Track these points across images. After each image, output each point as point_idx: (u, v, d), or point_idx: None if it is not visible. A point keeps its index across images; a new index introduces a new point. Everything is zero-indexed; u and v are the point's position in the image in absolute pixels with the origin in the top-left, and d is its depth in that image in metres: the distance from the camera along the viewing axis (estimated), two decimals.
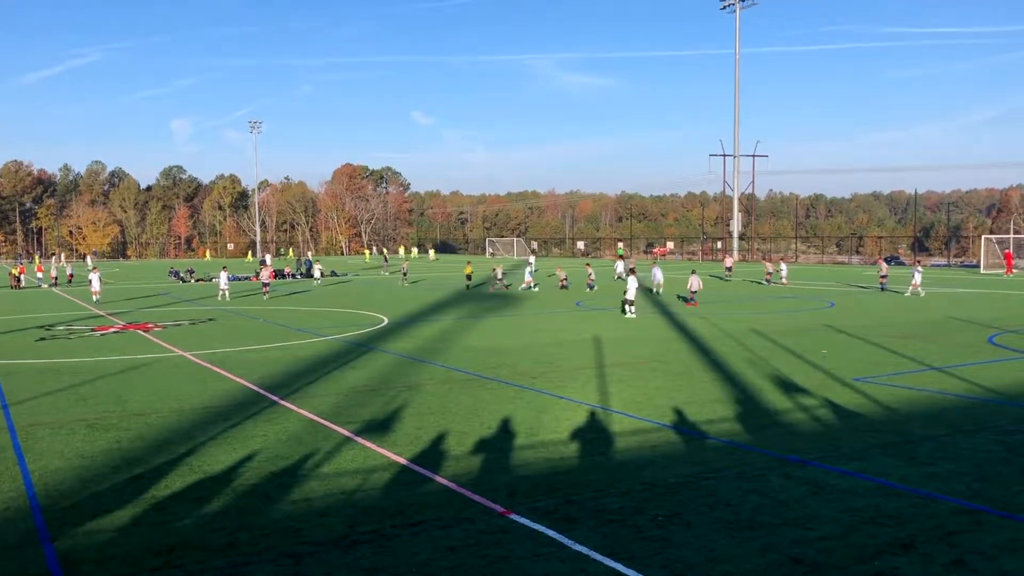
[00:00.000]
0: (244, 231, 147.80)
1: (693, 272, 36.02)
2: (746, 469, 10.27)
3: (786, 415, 13.43)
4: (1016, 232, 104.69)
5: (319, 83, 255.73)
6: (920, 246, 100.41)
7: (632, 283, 29.71)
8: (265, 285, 42.47)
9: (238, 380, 17.07)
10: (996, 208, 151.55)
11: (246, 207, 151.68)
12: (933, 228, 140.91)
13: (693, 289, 34.10)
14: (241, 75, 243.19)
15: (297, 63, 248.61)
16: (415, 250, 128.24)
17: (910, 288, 38.89)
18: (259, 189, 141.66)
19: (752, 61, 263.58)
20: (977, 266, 69.55)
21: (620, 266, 53.80)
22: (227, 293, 41.08)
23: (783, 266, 49.71)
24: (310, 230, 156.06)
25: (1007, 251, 62.51)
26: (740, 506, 8.86)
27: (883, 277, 42.60)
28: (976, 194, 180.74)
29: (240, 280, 58.93)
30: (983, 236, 76.29)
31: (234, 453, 11.24)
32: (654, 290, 39.72)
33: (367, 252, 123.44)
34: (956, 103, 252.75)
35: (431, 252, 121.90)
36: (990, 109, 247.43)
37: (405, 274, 54.39)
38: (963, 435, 11.90)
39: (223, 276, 42.08)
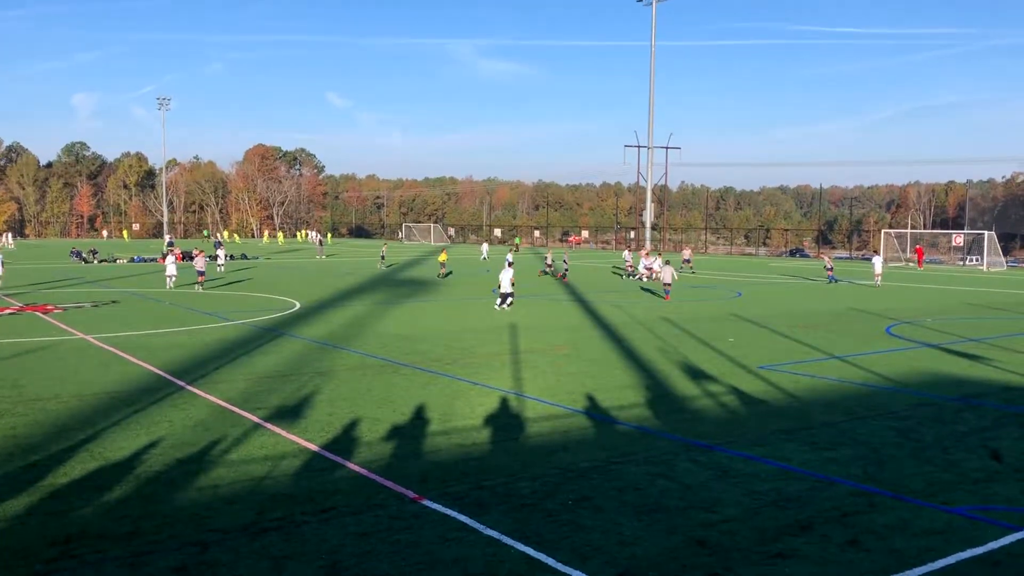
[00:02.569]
0: (151, 211, 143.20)
1: (667, 263, 34.75)
2: (654, 454, 10.49)
3: (693, 401, 13.76)
4: (913, 227, 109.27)
5: (231, 61, 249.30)
6: (824, 239, 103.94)
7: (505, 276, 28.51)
8: (200, 273, 35.49)
9: (142, 364, 16.56)
10: (896, 204, 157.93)
11: (153, 187, 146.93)
12: (836, 222, 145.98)
13: (667, 281, 32.46)
14: (148, 50, 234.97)
15: (208, 39, 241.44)
16: (305, 233, 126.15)
17: (876, 278, 41.43)
18: (167, 168, 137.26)
19: (667, 54, 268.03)
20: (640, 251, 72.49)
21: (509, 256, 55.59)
22: (172, 281, 35.24)
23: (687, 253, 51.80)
24: (220, 212, 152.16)
25: (919, 246, 65.39)
26: (648, 490, 9.04)
27: (830, 270, 44.55)
28: (877, 190, 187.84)
29: (145, 261, 57.18)
30: (883, 230, 79.52)
31: (137, 439, 10.92)
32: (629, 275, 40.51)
33: (280, 235, 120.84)
34: (860, 101, 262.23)
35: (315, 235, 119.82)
36: (892, 108, 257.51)
37: (383, 257, 55.29)
38: (860, 421, 12.40)
39: (170, 261, 36.59)
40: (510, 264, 30.44)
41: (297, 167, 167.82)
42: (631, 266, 46.24)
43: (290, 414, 12.44)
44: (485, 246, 70.22)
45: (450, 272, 45.77)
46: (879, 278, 41.54)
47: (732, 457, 10.39)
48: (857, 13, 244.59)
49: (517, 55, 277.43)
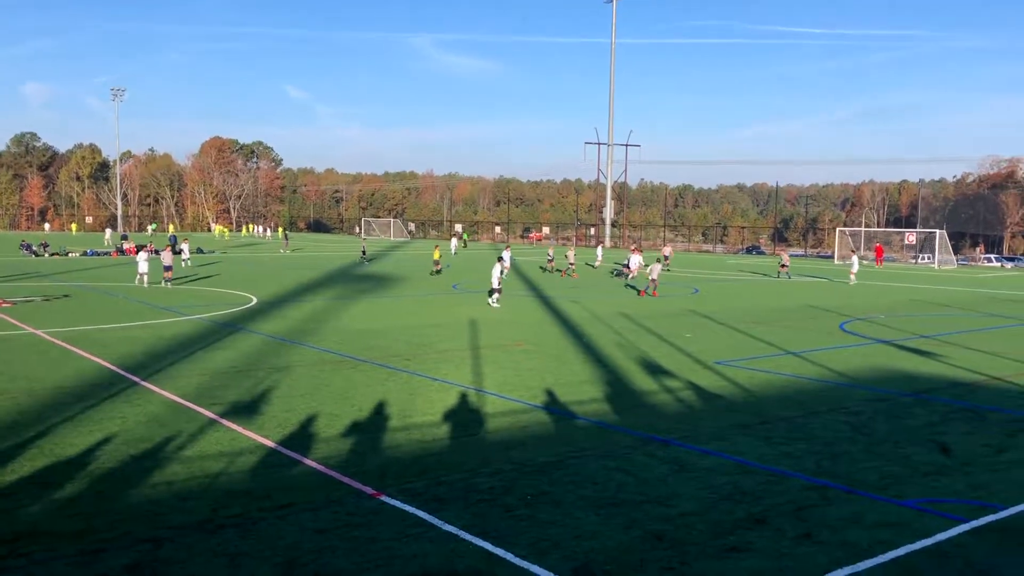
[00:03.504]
0: (104, 204, 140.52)
1: (657, 260, 35.46)
2: (612, 448, 10.56)
3: (651, 396, 13.87)
4: (867, 225, 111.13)
5: (187, 52, 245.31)
6: (780, 237, 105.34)
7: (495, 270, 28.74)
8: (167, 269, 33.58)
9: (95, 360, 16.27)
10: (850, 202, 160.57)
11: (107, 179, 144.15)
12: (792, 220, 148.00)
13: (653, 277, 33.04)
14: (103, 40, 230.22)
15: (164, 29, 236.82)
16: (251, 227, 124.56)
17: (852, 276, 42.60)
18: (121, 160, 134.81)
19: (628, 52, 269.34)
20: (831, 256, 73.60)
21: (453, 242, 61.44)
22: (146, 279, 33.12)
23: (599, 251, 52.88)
24: (176, 205, 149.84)
25: (878, 245, 66.53)
26: (605, 484, 9.10)
27: (783, 266, 45.95)
28: (832, 188, 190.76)
29: (99, 255, 56.14)
30: (837, 228, 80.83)
31: (90, 436, 10.72)
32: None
33: (219, 228, 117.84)
34: (817, 101, 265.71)
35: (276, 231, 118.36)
36: (848, 108, 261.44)
37: (364, 252, 55.30)
38: (815, 416, 12.60)
39: (142, 257, 33.80)
40: (500, 259, 29.76)
41: (254, 160, 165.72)
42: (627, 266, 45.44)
43: (247, 410, 12.31)
44: (454, 241, 70.08)
45: (447, 266, 45.13)
46: (854, 276, 42.69)
47: (689, 451, 10.50)
48: (815, 14, 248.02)
49: (478, 50, 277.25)
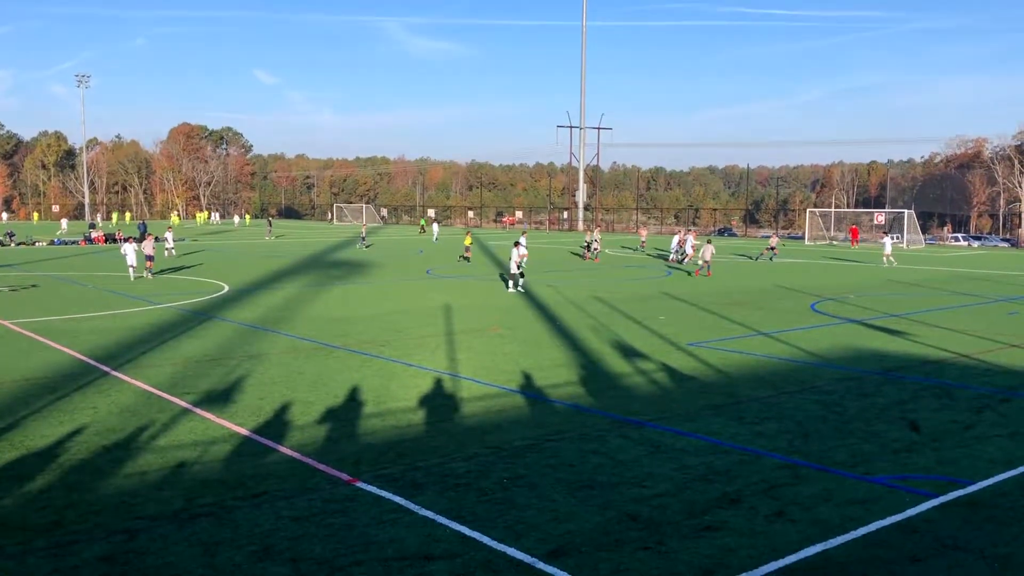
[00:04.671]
0: (71, 192, 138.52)
1: (709, 241, 36.71)
2: (587, 431, 10.61)
3: (625, 379, 13.94)
4: (837, 206, 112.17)
5: (153, 36, 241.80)
6: (751, 218, 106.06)
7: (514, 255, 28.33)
8: (149, 259, 31.94)
9: (64, 350, 16.07)
10: (820, 183, 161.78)
11: (73, 167, 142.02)
12: (763, 201, 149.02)
13: (707, 258, 34.61)
14: (66, 24, 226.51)
15: (129, 14, 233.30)
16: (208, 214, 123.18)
17: (884, 258, 42.32)
18: (88, 148, 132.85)
19: (599, 35, 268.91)
20: (802, 237, 74.24)
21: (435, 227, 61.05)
22: (133, 272, 30.90)
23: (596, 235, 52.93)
24: (144, 192, 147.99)
25: (853, 227, 67.27)
26: (581, 466, 9.16)
27: (772, 248, 46.22)
28: (802, 170, 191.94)
29: (67, 244, 55.39)
30: (808, 209, 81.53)
31: (60, 427, 10.61)
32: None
33: (175, 217, 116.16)
34: (788, 83, 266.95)
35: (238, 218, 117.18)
36: (818, 89, 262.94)
37: (363, 238, 54.92)
38: (786, 395, 12.73)
39: (129, 249, 31.45)
40: (516, 244, 29.01)
41: (224, 146, 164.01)
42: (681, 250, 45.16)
43: (220, 399, 12.23)
44: (436, 227, 69.61)
45: (419, 251, 44.65)
46: (888, 257, 42.24)
47: (663, 433, 10.57)
48: None
49: (449, 34, 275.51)
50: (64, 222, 77.24)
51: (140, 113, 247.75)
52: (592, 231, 48.20)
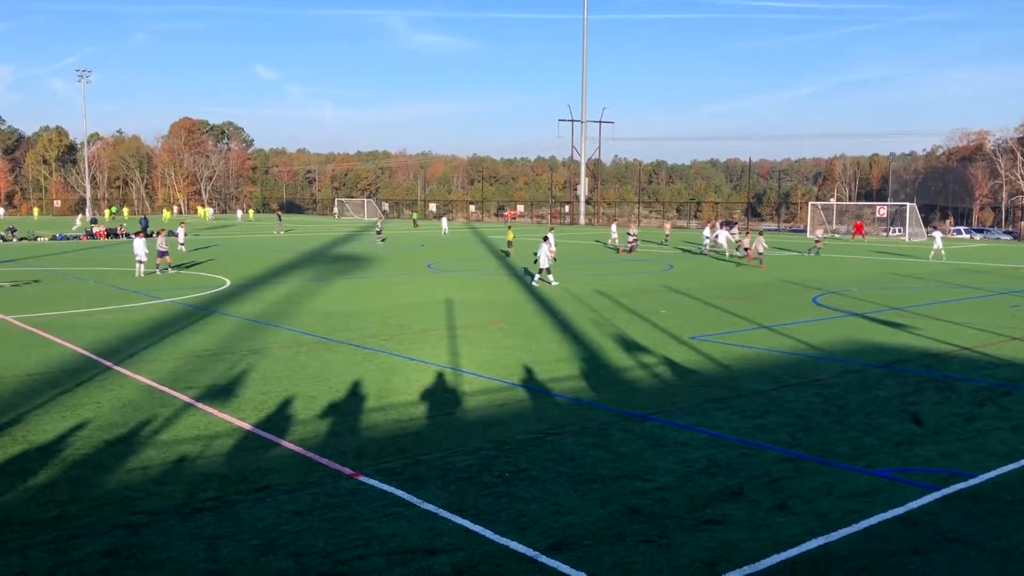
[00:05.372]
0: (73, 187, 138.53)
1: (760, 233, 39.18)
2: (589, 425, 10.62)
3: (627, 372, 13.95)
4: (839, 199, 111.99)
5: (154, 32, 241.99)
6: (753, 212, 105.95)
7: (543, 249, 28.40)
8: (162, 254, 31.26)
9: (67, 345, 16.09)
10: (822, 176, 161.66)
11: (74, 162, 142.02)
12: (765, 195, 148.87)
13: (760, 251, 36.81)
14: (67, 20, 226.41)
15: (129, 10, 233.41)
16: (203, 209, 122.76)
17: (932, 252, 42.42)
18: (89, 143, 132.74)
19: (600, 28, 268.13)
20: (804, 231, 74.14)
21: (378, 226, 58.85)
22: (142, 268, 29.97)
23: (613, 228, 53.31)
24: (146, 187, 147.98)
25: (859, 221, 67.41)
26: (583, 460, 9.16)
27: (819, 242, 47.25)
28: (804, 163, 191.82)
29: (68, 239, 55.42)
30: (810, 203, 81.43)
31: (63, 422, 10.63)
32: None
33: (167, 213, 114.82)
34: (789, 76, 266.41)
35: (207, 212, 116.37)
36: (819, 82, 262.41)
37: (379, 231, 55.25)
38: (788, 389, 12.73)
39: (139, 244, 30.20)
40: (545, 239, 29.12)
41: (225, 141, 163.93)
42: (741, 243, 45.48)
43: (222, 393, 12.25)
44: (444, 220, 68.71)
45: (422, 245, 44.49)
46: (939, 251, 42.14)
47: (665, 426, 10.58)
48: None
49: (450, 27, 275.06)
50: (79, 218, 77.17)
51: (141, 108, 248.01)
52: (630, 225, 49.21)
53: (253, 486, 8.30)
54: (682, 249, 44.03)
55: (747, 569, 6.47)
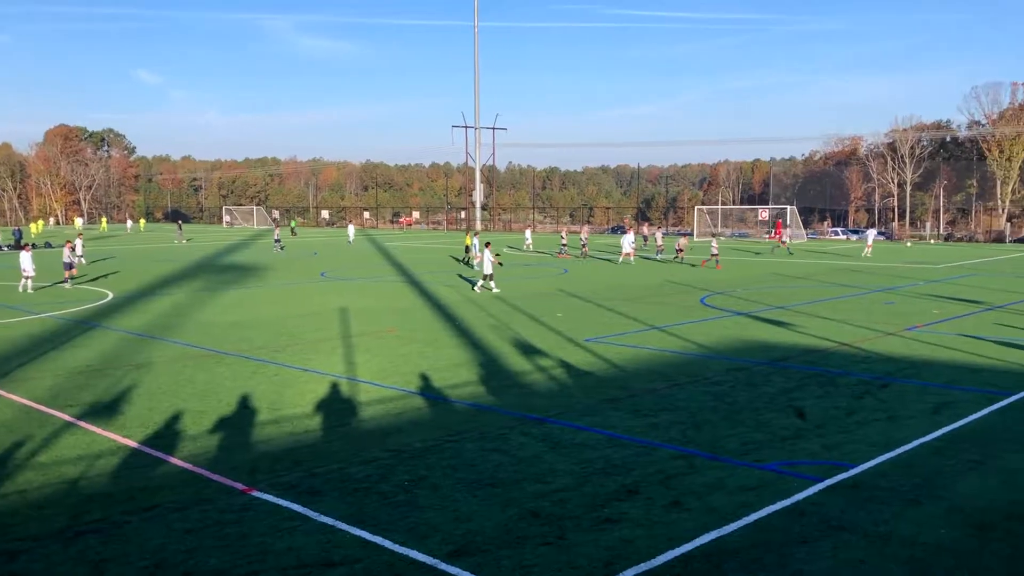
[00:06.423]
0: None
1: (715, 235, 42.12)
2: (488, 430, 10.64)
3: (525, 376, 14.05)
4: (724, 203, 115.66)
5: (22, 34, 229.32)
6: (642, 216, 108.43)
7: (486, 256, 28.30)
8: (69, 267, 30.10)
9: None
10: (707, 181, 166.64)
11: None
12: (654, 199, 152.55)
13: (713, 251, 39.84)
14: None
15: None
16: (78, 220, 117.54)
17: (865, 250, 47.35)
18: None
19: (493, 35, 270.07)
20: (691, 234, 76.27)
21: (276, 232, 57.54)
22: (31, 283, 28.15)
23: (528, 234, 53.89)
24: (19, 197, 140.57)
25: (779, 220, 69.53)
26: (482, 466, 9.18)
27: (784, 242, 52.89)
28: (690, 168, 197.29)
29: None
30: (696, 207, 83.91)
31: None
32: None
33: (37, 224, 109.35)
34: (675, 84, 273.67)
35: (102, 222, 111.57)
36: (703, 89, 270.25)
37: (278, 239, 53.52)
38: (679, 387, 13.07)
39: (25, 258, 28.40)
40: (487, 245, 28.81)
41: (105, 148, 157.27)
42: (661, 246, 46.10)
43: (106, 410, 11.73)
44: (351, 228, 67.79)
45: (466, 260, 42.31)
46: (869, 249, 47.25)
47: (563, 428, 10.70)
48: None
49: (339, 32, 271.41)
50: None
51: (11, 114, 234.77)
52: (655, 230, 52.55)
53: (141, 505, 7.98)
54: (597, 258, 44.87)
55: (643, 566, 6.60)
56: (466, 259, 39.78)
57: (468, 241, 42.22)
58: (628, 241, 41.52)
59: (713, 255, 39.64)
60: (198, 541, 7.12)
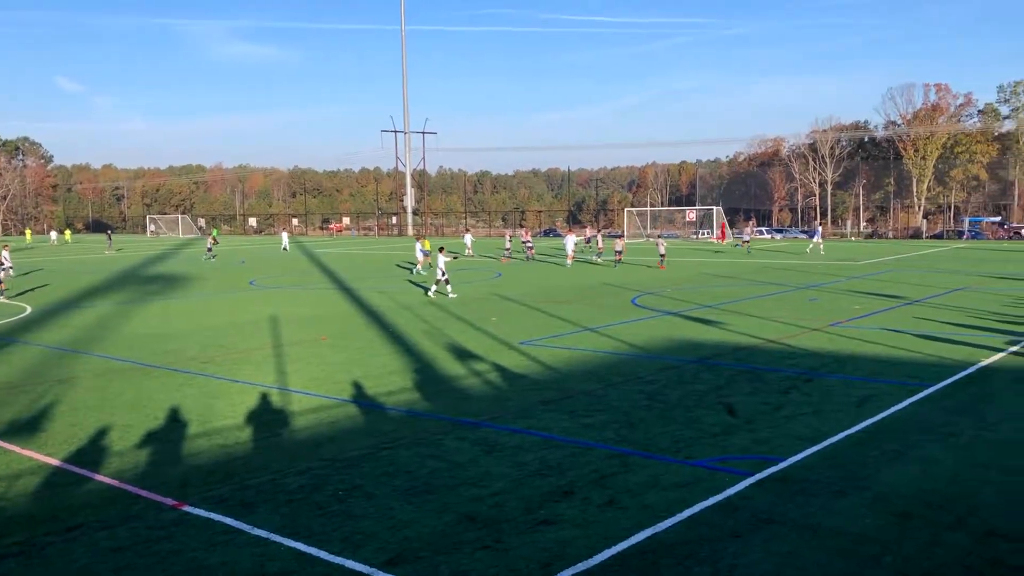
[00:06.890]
0: None
1: (660, 236, 43.55)
2: (423, 436, 10.60)
3: (459, 381, 14.03)
4: (652, 205, 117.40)
5: None
6: (573, 218, 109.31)
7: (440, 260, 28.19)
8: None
9: None
10: (636, 184, 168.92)
11: None
12: (584, 202, 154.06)
13: (661, 252, 40.57)
14: None
15: None
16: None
17: (811, 245, 50.25)
18: None
19: (422, 39, 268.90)
20: (621, 235, 77.20)
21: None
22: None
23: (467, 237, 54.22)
24: None
25: (723, 222, 70.80)
26: (418, 472, 9.14)
27: (746, 241, 54.47)
28: (619, 171, 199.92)
29: None
30: (626, 209, 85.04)
31: None
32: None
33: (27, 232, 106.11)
34: (604, 88, 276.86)
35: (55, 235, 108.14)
36: (638, 94, 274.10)
37: (210, 248, 52.58)
38: (613, 387, 13.21)
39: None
40: (441, 250, 28.70)
41: (20, 158, 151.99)
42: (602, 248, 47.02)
43: (26, 428, 11.34)
44: (285, 235, 66.59)
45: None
46: (820, 245, 50.58)
47: (498, 431, 10.72)
48: (606, 3, 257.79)
49: (264, 37, 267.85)
50: None
51: None
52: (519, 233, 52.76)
53: (64, 525, 7.73)
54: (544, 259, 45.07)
55: (581, 566, 6.65)
56: (418, 269, 38.53)
57: (427, 245, 41.21)
58: (571, 243, 42.46)
59: (661, 255, 40.35)
60: (127, 559, 6.94)
